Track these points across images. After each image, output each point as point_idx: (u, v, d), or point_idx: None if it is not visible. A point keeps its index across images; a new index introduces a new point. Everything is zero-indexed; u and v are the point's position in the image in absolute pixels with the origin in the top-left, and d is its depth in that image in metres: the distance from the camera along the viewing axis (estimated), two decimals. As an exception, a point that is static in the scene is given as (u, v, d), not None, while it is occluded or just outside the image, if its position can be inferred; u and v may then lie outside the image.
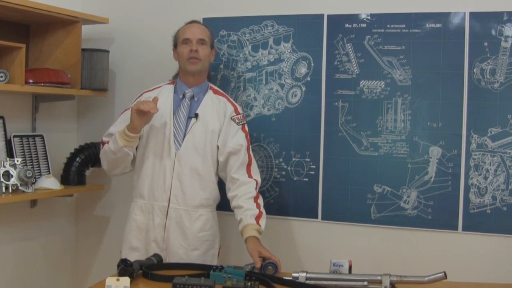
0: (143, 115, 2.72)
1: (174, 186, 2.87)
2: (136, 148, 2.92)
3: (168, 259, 2.86)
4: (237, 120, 2.96)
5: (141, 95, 3.02)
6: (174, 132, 2.87)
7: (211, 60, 3.03)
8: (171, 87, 3.00)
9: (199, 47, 2.90)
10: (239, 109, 3.02)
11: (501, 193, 2.95)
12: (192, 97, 2.94)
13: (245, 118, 3.04)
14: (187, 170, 2.87)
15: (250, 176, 2.90)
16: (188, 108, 2.92)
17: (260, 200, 2.88)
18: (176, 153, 2.86)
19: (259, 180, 2.93)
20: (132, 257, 2.70)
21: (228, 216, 3.27)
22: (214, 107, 2.94)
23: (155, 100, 2.74)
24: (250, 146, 2.96)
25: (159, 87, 3.03)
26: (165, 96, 2.95)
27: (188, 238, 2.88)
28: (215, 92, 3.02)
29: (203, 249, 2.91)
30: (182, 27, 2.99)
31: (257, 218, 2.79)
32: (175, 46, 2.99)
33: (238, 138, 2.92)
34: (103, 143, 2.95)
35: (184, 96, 2.94)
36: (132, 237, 2.94)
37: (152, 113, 2.72)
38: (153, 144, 2.89)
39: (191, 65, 2.90)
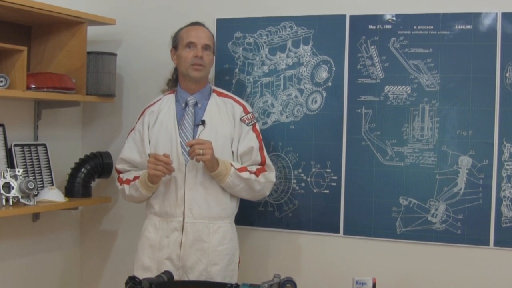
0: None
1: (188, 199, 2.86)
2: None
3: (186, 276, 2.85)
4: (247, 121, 2.97)
5: (143, 112, 3.04)
6: (181, 142, 2.87)
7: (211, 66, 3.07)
8: (172, 96, 3.02)
9: (204, 53, 2.91)
10: (248, 108, 3.03)
11: (535, 206, 2.94)
12: (196, 104, 2.95)
13: (255, 117, 3.07)
14: (199, 180, 2.86)
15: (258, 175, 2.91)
16: (193, 116, 2.93)
17: (254, 173, 2.88)
18: (186, 165, 2.86)
19: (273, 178, 2.96)
20: (144, 277, 2.64)
21: (246, 231, 3.32)
22: (221, 110, 2.95)
23: (167, 157, 2.74)
24: (263, 146, 2.97)
25: (159, 99, 3.05)
26: (167, 107, 2.97)
27: (207, 253, 2.86)
28: (219, 94, 3.04)
29: (223, 264, 2.89)
30: (185, 28, 2.99)
31: (240, 169, 2.84)
32: (175, 47, 2.99)
33: (248, 140, 2.94)
34: (119, 173, 3.04)
35: (187, 104, 2.94)
36: (144, 256, 2.93)
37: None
38: None
39: (195, 72, 2.91)
